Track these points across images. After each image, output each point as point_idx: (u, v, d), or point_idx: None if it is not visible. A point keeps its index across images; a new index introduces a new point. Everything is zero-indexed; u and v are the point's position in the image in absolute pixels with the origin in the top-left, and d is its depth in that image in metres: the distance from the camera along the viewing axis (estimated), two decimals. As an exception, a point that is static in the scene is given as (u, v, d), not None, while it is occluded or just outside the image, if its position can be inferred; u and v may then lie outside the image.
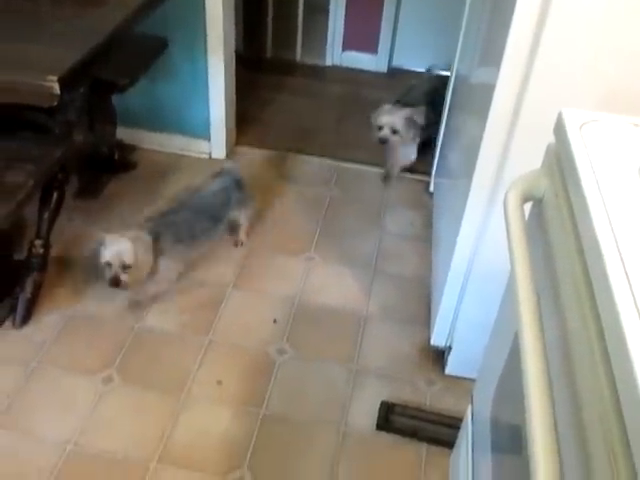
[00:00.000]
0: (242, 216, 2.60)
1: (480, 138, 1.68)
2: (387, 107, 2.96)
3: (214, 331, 2.24)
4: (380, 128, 2.93)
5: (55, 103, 2.14)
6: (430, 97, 3.11)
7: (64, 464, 1.80)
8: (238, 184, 2.53)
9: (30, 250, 2.27)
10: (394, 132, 2.94)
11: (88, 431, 1.89)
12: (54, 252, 2.36)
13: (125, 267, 2.11)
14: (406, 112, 2.95)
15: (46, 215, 2.32)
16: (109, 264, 2.12)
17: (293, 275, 2.50)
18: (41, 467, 1.79)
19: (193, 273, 2.45)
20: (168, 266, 2.27)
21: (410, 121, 2.95)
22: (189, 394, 2.01)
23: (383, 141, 2.94)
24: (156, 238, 2.20)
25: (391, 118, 2.92)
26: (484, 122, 1.66)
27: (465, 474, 1.60)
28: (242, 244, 2.63)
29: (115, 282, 2.12)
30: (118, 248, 2.10)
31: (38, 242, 2.28)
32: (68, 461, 1.81)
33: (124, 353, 2.13)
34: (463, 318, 2.00)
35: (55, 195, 2.34)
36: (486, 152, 1.69)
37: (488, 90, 1.66)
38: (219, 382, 2.06)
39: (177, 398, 1.99)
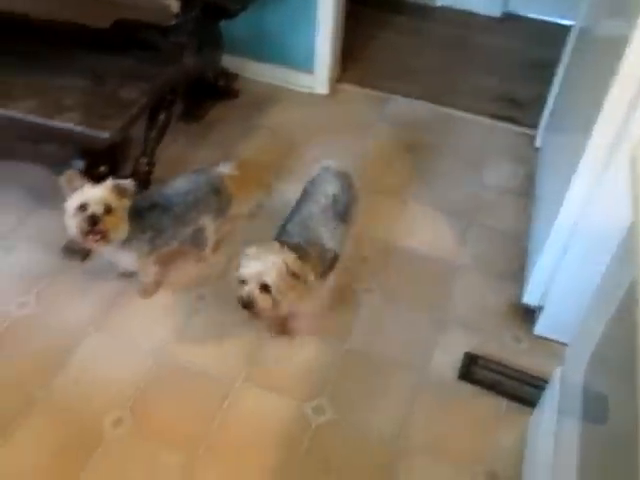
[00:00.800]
0: (210, 227, 2.18)
1: (604, 95, 1.59)
2: (252, 250, 1.76)
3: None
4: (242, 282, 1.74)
5: (173, 22, 2.17)
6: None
7: (154, 371, 1.90)
8: (216, 190, 2.12)
9: (135, 167, 2.34)
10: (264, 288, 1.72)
11: (178, 342, 1.98)
12: (156, 171, 2.43)
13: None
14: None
15: (153, 134, 2.39)
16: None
17: (386, 216, 2.48)
18: (134, 371, 1.89)
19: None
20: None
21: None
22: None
23: (245, 304, 1.73)
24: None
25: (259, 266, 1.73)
26: (611, 77, 1.56)
27: (547, 436, 1.58)
28: (204, 260, 2.24)
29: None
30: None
31: (143, 160, 2.36)
32: (159, 368, 1.91)
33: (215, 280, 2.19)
34: (561, 279, 1.95)
35: (163, 115, 2.40)
36: (609, 111, 1.60)
37: (619, 43, 1.55)
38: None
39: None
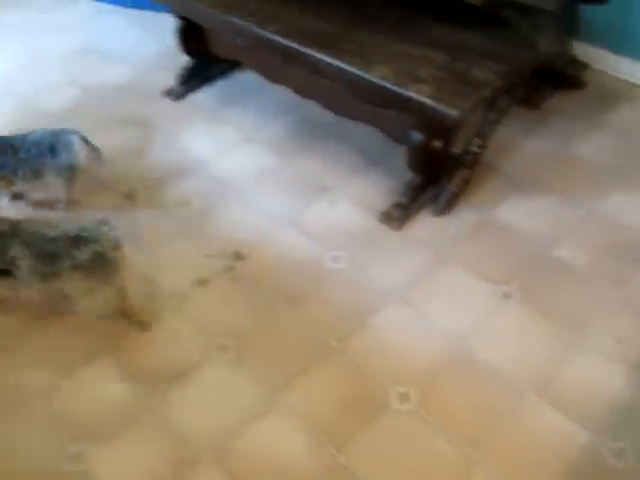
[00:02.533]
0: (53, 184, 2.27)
1: None
2: None
3: (625, 285, 2.05)
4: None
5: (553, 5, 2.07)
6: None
7: (450, 356, 1.88)
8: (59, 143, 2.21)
9: (467, 147, 2.30)
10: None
11: (476, 336, 1.93)
12: (486, 154, 2.37)
13: None
14: None
15: (492, 116, 2.32)
16: None
17: None
18: (430, 351, 1.89)
19: (619, 215, 2.25)
20: None
21: None
22: (584, 340, 1.90)
23: None
24: None
25: None
26: None
27: None
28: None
29: None
30: None
31: (477, 141, 2.31)
32: (454, 354, 1.88)
33: (527, 275, 2.08)
34: None
35: (506, 99, 2.31)
36: None
37: None
38: (619, 341, 1.89)
39: (571, 339, 1.90)
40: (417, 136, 2.12)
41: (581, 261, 2.12)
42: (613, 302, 1.99)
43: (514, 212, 2.29)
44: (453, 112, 1.87)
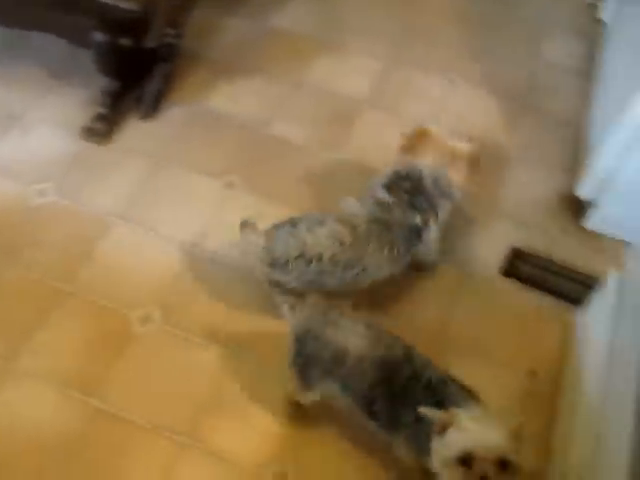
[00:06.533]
0: None
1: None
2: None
3: (343, 148, 2.12)
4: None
5: None
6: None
7: (184, 263, 1.82)
8: None
9: (162, 39, 2.14)
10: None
11: (207, 235, 1.88)
12: (185, 44, 2.25)
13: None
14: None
15: (183, 1, 2.17)
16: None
17: (432, 96, 2.29)
18: (162, 264, 1.81)
19: (326, 83, 2.28)
20: None
21: None
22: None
23: None
24: None
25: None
26: None
27: (603, 335, 1.49)
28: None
29: None
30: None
31: (171, 31, 2.15)
32: (188, 261, 1.82)
33: (248, 159, 2.06)
34: (624, 174, 1.78)
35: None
36: None
37: None
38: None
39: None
40: (101, 37, 1.91)
41: (297, 134, 2.14)
42: (331, 163, 2.05)
43: (225, 99, 2.22)
44: (132, 5, 1.70)
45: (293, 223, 1.58)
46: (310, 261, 1.54)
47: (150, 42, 2.13)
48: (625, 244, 1.86)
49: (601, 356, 1.46)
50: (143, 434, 1.51)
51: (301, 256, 1.54)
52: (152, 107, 2.14)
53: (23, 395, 1.56)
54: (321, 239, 1.55)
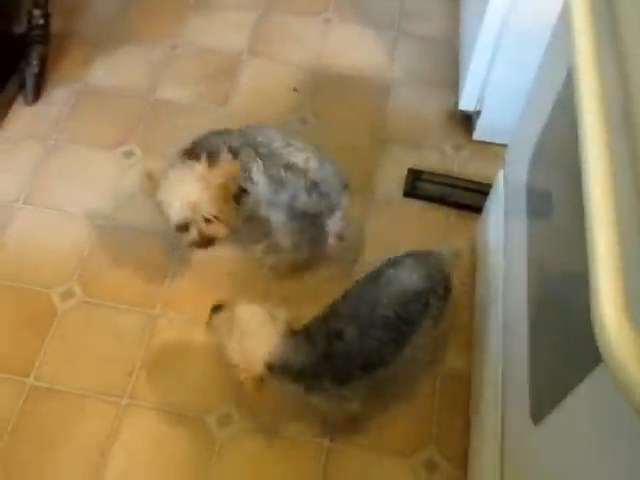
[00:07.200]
0: None
1: None
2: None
3: (230, 102, 2.15)
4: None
5: None
6: None
7: (94, 236, 1.83)
8: None
9: (30, 22, 2.10)
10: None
11: (114, 205, 1.89)
12: (55, 23, 2.19)
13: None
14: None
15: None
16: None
17: (310, 38, 2.34)
18: (74, 241, 1.82)
19: (203, 40, 2.30)
20: None
21: None
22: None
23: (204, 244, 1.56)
24: None
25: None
26: None
27: (495, 237, 1.61)
28: None
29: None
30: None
31: (37, 12, 2.11)
32: (97, 233, 1.84)
33: (142, 126, 2.07)
34: (494, 81, 1.89)
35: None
36: None
37: None
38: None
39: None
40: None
41: (183, 94, 2.16)
42: (220, 118, 2.08)
43: (106, 72, 2.20)
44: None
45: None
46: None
47: (18, 28, 2.09)
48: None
49: (499, 256, 1.55)
50: (84, 402, 1.54)
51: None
52: (35, 92, 2.10)
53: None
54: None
